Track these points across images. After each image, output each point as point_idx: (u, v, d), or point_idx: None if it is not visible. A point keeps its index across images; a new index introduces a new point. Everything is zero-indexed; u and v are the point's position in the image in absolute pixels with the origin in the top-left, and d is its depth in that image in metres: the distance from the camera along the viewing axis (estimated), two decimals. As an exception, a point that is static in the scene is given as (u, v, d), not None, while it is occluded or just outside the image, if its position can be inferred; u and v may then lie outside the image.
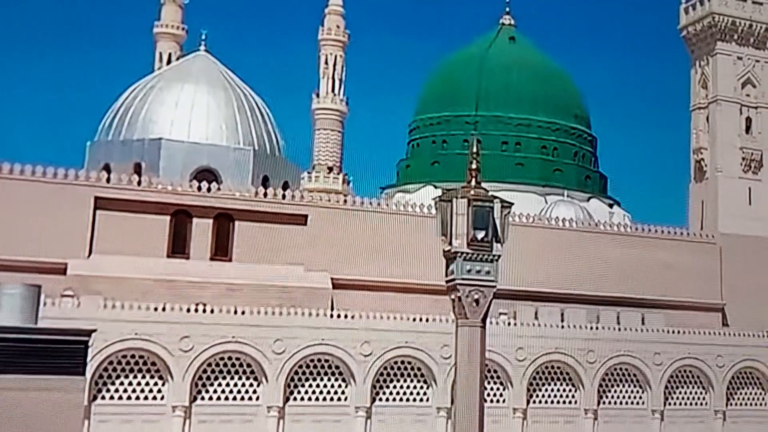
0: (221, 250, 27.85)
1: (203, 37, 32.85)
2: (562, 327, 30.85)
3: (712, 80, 37.07)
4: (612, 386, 31.55)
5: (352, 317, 27.54)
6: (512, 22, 48.43)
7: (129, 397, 25.12)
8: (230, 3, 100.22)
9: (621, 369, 31.54)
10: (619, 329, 31.74)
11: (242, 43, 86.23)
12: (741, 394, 33.49)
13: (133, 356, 25.31)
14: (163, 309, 25.53)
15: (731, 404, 32.96)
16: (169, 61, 37.58)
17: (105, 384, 25.00)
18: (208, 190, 27.92)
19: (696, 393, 32.88)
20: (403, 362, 28.36)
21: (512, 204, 12.70)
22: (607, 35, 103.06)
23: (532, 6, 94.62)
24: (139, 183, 27.84)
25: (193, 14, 44.40)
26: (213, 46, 33.86)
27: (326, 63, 37.97)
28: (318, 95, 38.50)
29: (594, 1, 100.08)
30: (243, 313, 26.27)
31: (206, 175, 28.57)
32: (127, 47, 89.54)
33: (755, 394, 33.90)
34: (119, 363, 25.19)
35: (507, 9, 48.12)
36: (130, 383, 25.19)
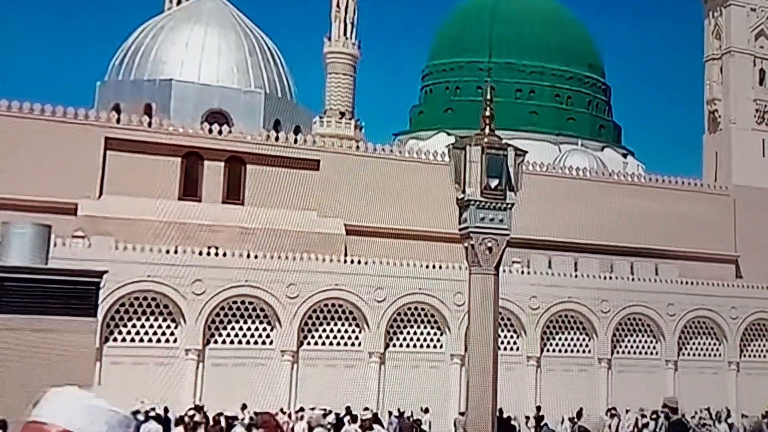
0: (233, 193, 26.96)
1: None
2: (576, 276, 30.24)
3: (725, 31, 35.99)
4: (626, 336, 30.98)
5: (366, 263, 26.81)
6: None
7: (141, 340, 24.39)
8: None
9: (635, 319, 30.96)
10: (633, 279, 31.13)
11: None
12: (754, 345, 32.95)
13: (145, 298, 24.55)
14: (175, 252, 24.73)
15: (744, 356, 32.49)
16: (179, 2, 36.09)
17: (117, 326, 24.26)
18: (219, 132, 26.88)
19: (709, 344, 32.37)
20: (416, 309, 27.70)
21: (526, 152, 12.29)
22: None
23: None
24: (149, 124, 26.78)
25: None
26: None
27: (338, 6, 36.67)
28: (330, 39, 37.30)
29: None
30: (256, 257, 25.51)
31: (217, 117, 27.52)
32: None
33: (768, 345, 33.58)
34: (131, 305, 24.42)
35: None
36: (143, 325, 24.46)
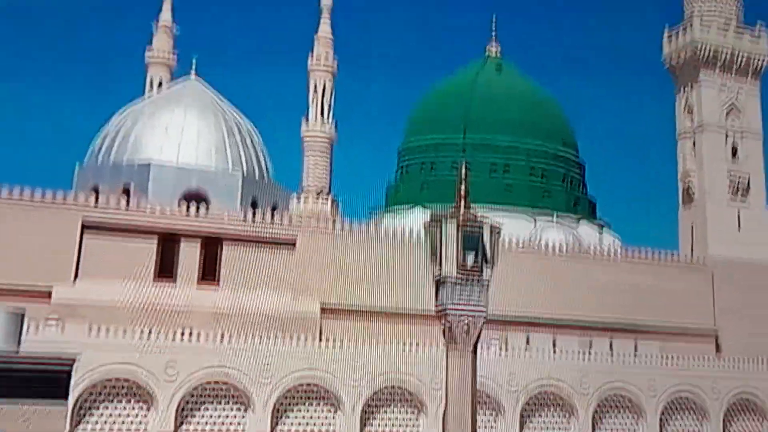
0: (209, 274, 26.93)
1: (194, 63, 32.52)
2: (555, 354, 30.07)
3: (697, 108, 36.80)
4: (606, 415, 30.58)
5: (341, 344, 26.67)
6: (499, 51, 48.69)
7: (114, 423, 24.05)
8: (221, 31, 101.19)
9: (615, 397, 30.54)
10: (613, 357, 30.87)
11: (233, 70, 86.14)
12: (738, 424, 32.58)
13: (117, 383, 24.32)
14: (149, 335, 24.60)
15: (728, 435, 32.13)
16: (159, 87, 37.17)
17: (88, 410, 23.87)
18: (197, 212, 27.12)
19: (693, 423, 31.93)
20: (393, 390, 27.36)
21: (501, 227, 12.49)
22: (592, 63, 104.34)
23: (518, 36, 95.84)
24: (127, 205, 26.96)
25: (184, 42, 44.48)
26: (203, 72, 33.58)
27: (315, 90, 37.82)
28: (307, 120, 38.26)
29: (579, 30, 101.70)
30: (230, 339, 25.38)
31: (195, 198, 27.78)
32: (119, 73, 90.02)
33: (752, 424, 33.02)
34: (103, 389, 24.09)
35: (494, 39, 48.58)
36: (115, 408, 24.16)
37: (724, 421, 31.72)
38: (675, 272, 34.37)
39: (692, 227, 36.02)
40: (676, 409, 31.55)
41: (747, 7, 39.28)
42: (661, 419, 30.91)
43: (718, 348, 34.71)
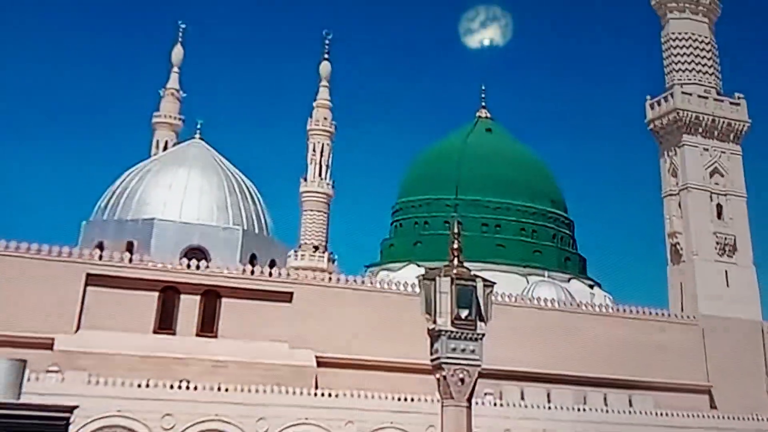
0: (207, 326, 27.39)
1: (198, 126, 34.04)
2: (550, 408, 30.02)
3: (681, 169, 37.94)
4: (600, 471, 30.30)
5: (336, 396, 26.70)
6: (488, 115, 50.72)
7: (108, 476, 24.00)
8: (226, 96, 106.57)
9: (609, 453, 30.43)
10: (607, 411, 30.86)
11: (236, 133, 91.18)
12: (731, 479, 32.20)
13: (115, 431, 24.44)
14: (147, 385, 24.77)
15: (724, 491, 31.60)
16: (165, 148, 38.67)
17: (84, 463, 23.92)
18: (197, 267, 27.79)
19: (686, 480, 31.58)
20: (388, 442, 27.38)
21: (494, 283, 12.57)
22: (579, 127, 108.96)
23: (507, 101, 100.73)
24: (130, 260, 27.64)
25: (189, 107, 46.77)
26: (208, 135, 35.14)
27: (314, 151, 39.34)
28: (306, 179, 39.60)
29: (566, 96, 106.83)
30: (227, 390, 25.49)
31: (196, 253, 28.57)
32: (126, 136, 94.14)
33: (745, 480, 32.61)
34: (99, 440, 24.24)
35: (483, 103, 50.82)
36: (110, 462, 24.15)
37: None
38: (667, 328, 34.65)
39: (681, 284, 36.54)
40: (669, 465, 31.22)
41: (725, 80, 41.32)
42: (658, 476, 30.58)
43: (712, 403, 34.65)
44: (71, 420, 25.14)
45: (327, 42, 45.60)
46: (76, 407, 24.61)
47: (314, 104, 41.90)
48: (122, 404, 24.32)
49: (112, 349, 26.04)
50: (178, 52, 44.08)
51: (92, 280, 27.35)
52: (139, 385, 24.68)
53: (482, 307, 11.65)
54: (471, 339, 11.52)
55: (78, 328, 26.73)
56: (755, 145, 69.66)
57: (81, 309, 26.92)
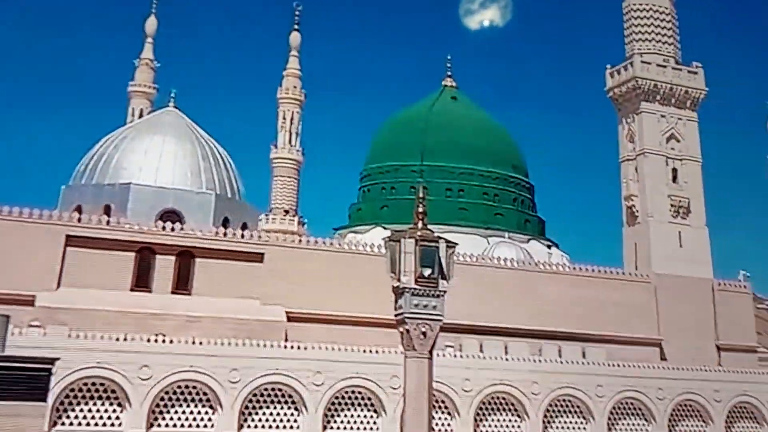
0: (182, 284, 28.66)
1: (172, 95, 34.97)
2: (507, 360, 31.65)
3: (638, 135, 39.21)
4: (556, 417, 31.93)
5: (305, 348, 28.07)
6: (454, 83, 51.88)
7: (88, 424, 25.23)
8: (199, 66, 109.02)
9: (565, 400, 31.92)
10: (562, 362, 32.57)
11: (209, 102, 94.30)
12: (683, 426, 34.09)
13: (93, 384, 25.47)
14: (125, 339, 26.07)
15: (674, 436, 33.55)
16: (141, 116, 39.65)
17: (66, 410, 25.13)
18: (172, 229, 28.99)
19: (638, 425, 33.41)
20: (353, 392, 28.66)
21: (456, 244, 13.13)
22: (543, 94, 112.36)
23: (473, 71, 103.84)
24: (108, 223, 28.80)
25: (164, 76, 48.00)
26: (182, 103, 36.20)
27: (284, 118, 40.44)
28: (276, 146, 40.76)
29: (529, 64, 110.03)
30: (201, 343, 26.84)
31: (171, 216, 29.73)
32: (103, 104, 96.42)
33: (696, 426, 34.51)
34: (80, 390, 25.35)
35: (449, 72, 52.04)
36: (90, 410, 25.36)
37: (669, 422, 33.34)
38: (620, 286, 36.27)
39: (636, 245, 38.09)
40: (624, 411, 33.06)
41: (684, 48, 42.44)
42: (609, 421, 32.44)
43: (662, 356, 36.47)
44: (53, 371, 26.70)
45: (297, 13, 46.59)
46: (57, 359, 26.10)
47: (284, 73, 42.92)
48: (101, 356, 25.57)
49: (91, 305, 27.27)
50: (151, 23, 44.81)
51: (72, 241, 28.49)
52: (117, 339, 25.92)
53: (444, 267, 12.18)
54: (433, 296, 12.06)
55: (59, 286, 27.92)
56: (711, 112, 71.69)
57: (61, 268, 28.08)
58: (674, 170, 39.14)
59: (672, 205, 38.37)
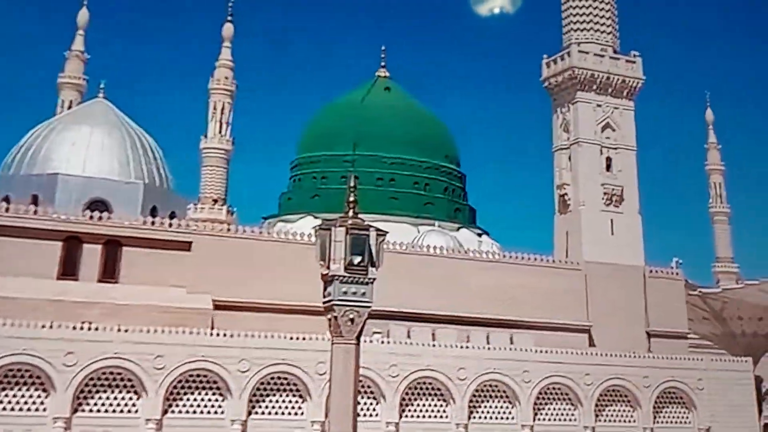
0: (109, 273, 30.69)
1: (102, 86, 36.89)
2: (434, 346, 34.00)
3: (573, 124, 41.63)
4: (483, 402, 34.26)
5: (231, 336, 30.24)
6: (387, 74, 54.23)
7: (12, 409, 27.24)
8: (129, 57, 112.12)
9: (491, 386, 34.38)
10: (489, 348, 34.98)
11: (140, 93, 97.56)
12: (610, 410, 36.62)
13: (20, 370, 27.50)
14: (51, 326, 28.07)
15: (600, 420, 36.11)
16: (70, 108, 41.46)
17: (-8, 395, 27.21)
18: (99, 218, 30.98)
19: (566, 409, 35.93)
20: (279, 378, 30.76)
21: (387, 232, 13.54)
22: (478, 84, 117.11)
23: (406, 61, 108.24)
24: (35, 212, 30.70)
25: (94, 68, 50.03)
26: (111, 95, 38.20)
27: (215, 109, 42.52)
28: (206, 136, 42.86)
29: (464, 55, 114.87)
30: (126, 331, 28.89)
31: (98, 205, 31.68)
32: (32, 96, 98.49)
33: (623, 410, 37.08)
34: (6, 376, 27.37)
35: (383, 63, 54.38)
36: (15, 395, 27.42)
37: (596, 407, 35.94)
38: (550, 274, 38.84)
39: (567, 233, 40.65)
40: (551, 396, 35.60)
41: (623, 37, 44.81)
42: (535, 405, 34.99)
43: (591, 342, 39.13)
44: (-23, 359, 28.47)
45: (230, 4, 48.63)
46: None
47: (216, 64, 44.93)
48: (27, 343, 27.59)
49: (18, 293, 29.23)
50: (83, 15, 46.52)
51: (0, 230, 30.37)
52: (44, 326, 27.93)
53: (374, 255, 12.56)
54: (362, 283, 12.44)
55: (-15, 275, 29.77)
56: (649, 100, 75.39)
57: (-12, 257, 29.93)
58: (608, 159, 41.65)
59: (605, 194, 40.91)
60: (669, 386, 37.57)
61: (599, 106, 41.85)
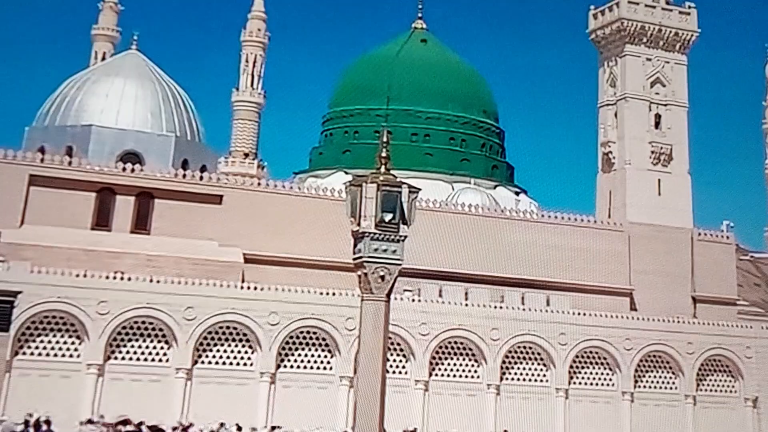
0: (141, 224, 32.30)
1: (135, 38, 38.35)
2: (465, 305, 34.65)
3: (620, 79, 41.25)
4: (516, 363, 34.95)
5: (261, 289, 31.54)
6: (424, 26, 54.17)
7: (48, 354, 29.22)
8: (162, 9, 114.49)
9: (525, 347, 35.00)
10: (523, 309, 35.40)
11: (172, 45, 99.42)
12: (650, 376, 36.93)
13: (54, 317, 29.39)
14: (84, 275, 29.80)
15: (639, 386, 36.39)
16: (104, 59, 43.14)
17: (27, 341, 29.14)
18: (132, 170, 32.52)
19: (603, 373, 36.35)
20: (308, 332, 32.04)
21: (419, 189, 13.70)
22: (519, 37, 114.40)
23: (445, 10, 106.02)
24: (69, 163, 32.51)
25: (128, 19, 51.64)
26: (144, 46, 39.70)
27: (246, 61, 43.60)
28: (238, 89, 44.02)
29: (505, 4, 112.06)
30: (158, 281, 30.47)
31: (131, 157, 33.26)
32: (67, 46, 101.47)
33: (664, 377, 37.22)
34: (41, 323, 29.33)
35: (420, 14, 54.55)
36: (50, 341, 29.35)
37: (636, 373, 36.19)
38: (590, 234, 39.02)
39: (610, 192, 40.56)
40: (587, 360, 36.00)
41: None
42: (570, 369, 35.44)
43: (633, 306, 39.22)
44: (15, 304, 30.94)
45: None
46: (20, 292, 30.38)
47: (249, 15, 45.82)
48: (61, 291, 29.42)
49: (53, 242, 31.07)
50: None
51: (35, 180, 32.26)
52: (77, 275, 29.68)
53: (406, 212, 12.71)
54: (393, 240, 12.56)
55: (22, 223, 31.76)
56: (702, 53, 72.77)
57: (25, 206, 31.93)
58: (657, 116, 41.23)
59: (653, 152, 40.61)
60: (714, 353, 37.52)
61: (649, 59, 41.33)
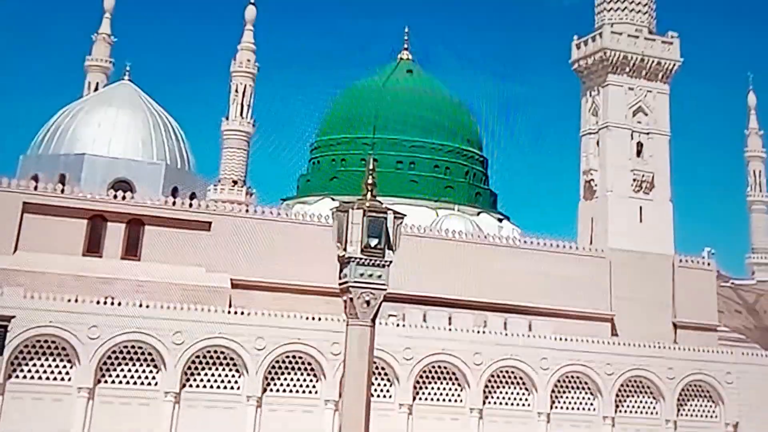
0: (132, 250, 33.97)
1: (127, 68, 40.45)
2: (449, 329, 36.18)
3: (602, 108, 43.04)
4: (498, 387, 36.51)
5: (248, 314, 33.11)
6: (410, 56, 56.60)
7: (40, 377, 30.74)
8: (154, 40, 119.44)
9: (508, 372, 36.59)
10: (506, 334, 36.93)
11: (164, 75, 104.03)
12: (631, 401, 38.43)
13: (46, 341, 30.95)
14: (76, 300, 31.37)
15: (620, 411, 37.90)
16: (96, 90, 45.31)
17: (20, 364, 30.63)
18: (123, 198, 34.25)
19: (584, 398, 37.84)
20: (294, 357, 33.58)
21: (404, 215, 14.09)
22: (503, 67, 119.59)
23: (430, 42, 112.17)
24: (62, 191, 34.26)
25: (120, 51, 54.39)
26: (136, 77, 41.99)
27: (236, 91, 45.81)
28: (227, 118, 46.16)
29: (488, 36, 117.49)
30: (147, 306, 32.03)
31: (122, 185, 35.05)
32: (61, 78, 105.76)
33: (645, 402, 38.72)
34: (34, 347, 30.85)
35: (406, 45, 57.00)
36: (42, 365, 30.86)
37: (617, 398, 37.65)
38: (572, 261, 40.72)
39: (592, 220, 42.27)
40: (569, 385, 37.46)
41: (660, 16, 45.62)
42: (552, 393, 36.90)
43: (614, 332, 40.81)
44: (9, 328, 32.62)
45: None
46: (12, 317, 32.12)
47: (238, 47, 48.11)
48: (53, 316, 30.96)
49: (46, 268, 32.68)
50: (110, -1, 50.17)
51: (28, 208, 34.00)
52: (69, 300, 31.23)
53: (391, 238, 13.09)
54: (378, 266, 12.92)
55: (16, 249, 33.37)
56: (684, 82, 75.53)
57: (18, 233, 33.56)
58: (639, 144, 43.02)
59: (635, 180, 42.35)
60: (695, 379, 38.99)
61: (631, 89, 43.14)
